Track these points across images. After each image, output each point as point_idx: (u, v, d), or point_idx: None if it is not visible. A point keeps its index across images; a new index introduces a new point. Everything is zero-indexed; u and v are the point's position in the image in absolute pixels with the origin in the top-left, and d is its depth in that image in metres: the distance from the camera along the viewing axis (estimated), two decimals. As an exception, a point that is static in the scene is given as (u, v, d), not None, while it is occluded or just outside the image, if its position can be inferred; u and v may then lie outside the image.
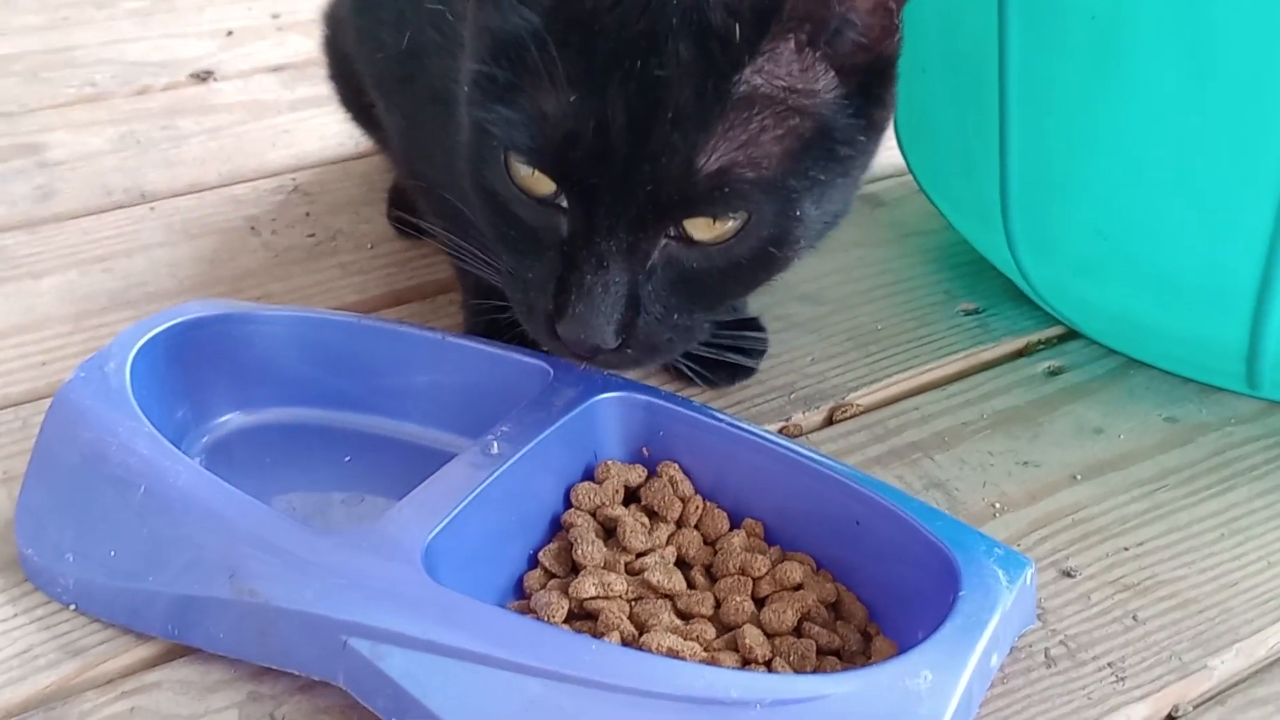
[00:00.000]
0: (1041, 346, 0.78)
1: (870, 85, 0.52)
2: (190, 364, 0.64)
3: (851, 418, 0.71)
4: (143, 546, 0.53)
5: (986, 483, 0.66)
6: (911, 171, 0.83)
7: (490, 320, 0.70)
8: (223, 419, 0.66)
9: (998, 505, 0.64)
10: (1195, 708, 0.53)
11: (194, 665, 0.53)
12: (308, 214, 0.94)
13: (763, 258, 0.51)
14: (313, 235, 0.91)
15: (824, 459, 0.57)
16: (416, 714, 0.47)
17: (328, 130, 1.08)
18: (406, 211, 0.89)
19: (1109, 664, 0.54)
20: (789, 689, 0.45)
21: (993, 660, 0.48)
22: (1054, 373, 0.75)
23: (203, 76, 1.21)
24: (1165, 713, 0.53)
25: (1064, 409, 0.72)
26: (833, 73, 0.50)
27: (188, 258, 0.88)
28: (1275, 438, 0.69)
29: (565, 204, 0.49)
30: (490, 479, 0.55)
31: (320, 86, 1.18)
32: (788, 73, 0.47)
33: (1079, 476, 0.66)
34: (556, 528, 0.58)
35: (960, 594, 0.48)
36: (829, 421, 0.71)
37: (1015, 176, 0.67)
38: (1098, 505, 0.64)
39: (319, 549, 0.51)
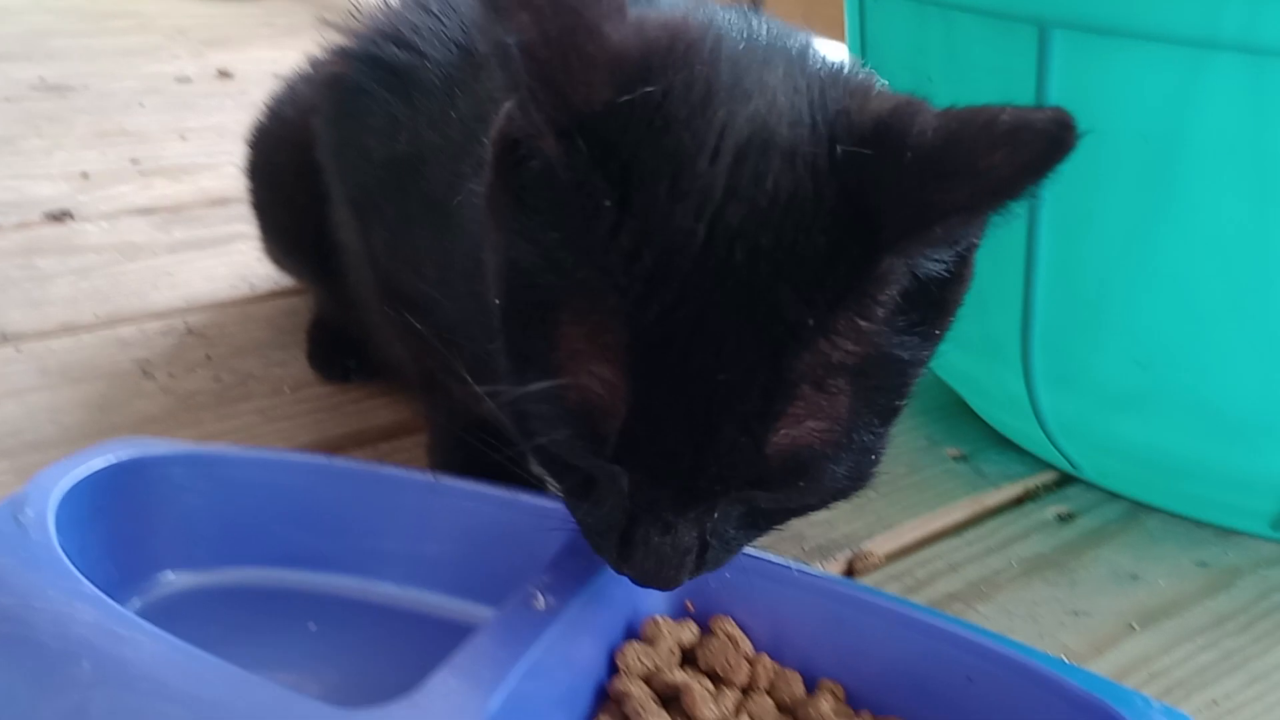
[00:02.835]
0: (1042, 491, 0.74)
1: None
2: (119, 514, 0.52)
3: (875, 568, 0.64)
4: (90, 742, 0.41)
5: (1043, 634, 0.59)
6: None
7: (469, 457, 0.61)
8: (159, 580, 0.54)
9: (1064, 658, 0.57)
10: None
11: None
12: (209, 356, 0.83)
13: (836, 495, 0.44)
14: (219, 379, 0.79)
15: (913, 605, 0.50)
16: None
17: (215, 272, 0.98)
18: (335, 351, 0.79)
19: (1252, 835, 0.48)
20: None
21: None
22: (1065, 518, 0.71)
23: (59, 217, 1.09)
24: None
25: (1090, 555, 0.67)
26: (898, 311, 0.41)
27: (71, 403, 0.75)
28: (1311, 580, 0.66)
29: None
30: (543, 638, 0.45)
31: (199, 230, 1.09)
32: (855, 339, 0.40)
33: (1136, 625, 0.61)
34: (602, 698, 0.48)
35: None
36: (850, 572, 0.64)
37: (1041, 304, 0.64)
38: (1167, 655, 0.58)
39: (348, 732, 0.40)
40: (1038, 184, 0.37)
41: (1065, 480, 0.75)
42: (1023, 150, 0.36)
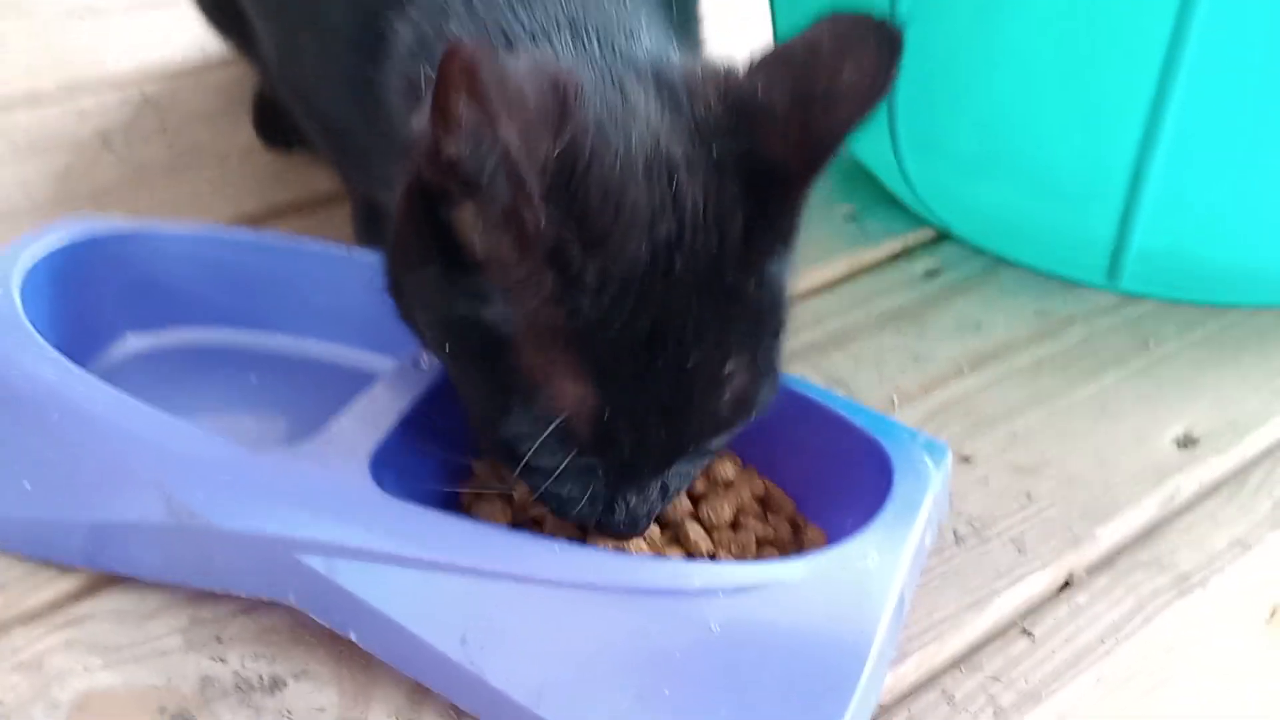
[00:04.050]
0: (917, 248, 0.82)
1: None
2: (79, 284, 0.61)
3: (749, 321, 0.73)
4: (61, 476, 0.51)
5: (882, 378, 0.69)
6: (789, 80, 0.85)
7: (378, 233, 0.69)
8: (117, 342, 0.63)
9: (895, 398, 0.67)
10: (1088, 573, 0.58)
11: (126, 594, 0.51)
12: (164, 127, 0.89)
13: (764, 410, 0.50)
14: (172, 148, 0.86)
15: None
16: (376, 624, 0.47)
17: (171, 37, 1.02)
18: (277, 121, 0.85)
19: (1011, 539, 0.59)
20: (748, 576, 0.47)
21: (926, 540, 0.52)
22: (931, 273, 0.79)
23: (14, -24, 1.12)
24: (1063, 579, 0.58)
25: (945, 306, 0.76)
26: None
27: (38, 174, 0.82)
28: (1132, 327, 0.74)
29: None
30: (422, 390, 0.54)
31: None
32: (772, 277, 0.47)
33: (966, 369, 0.70)
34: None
35: (894, 480, 0.51)
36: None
37: (903, 79, 0.69)
38: (985, 394, 0.68)
39: (262, 467, 0.50)
40: (895, 75, 0.45)
41: (941, 238, 0.83)
42: (863, 57, 0.44)
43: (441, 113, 0.41)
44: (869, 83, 0.45)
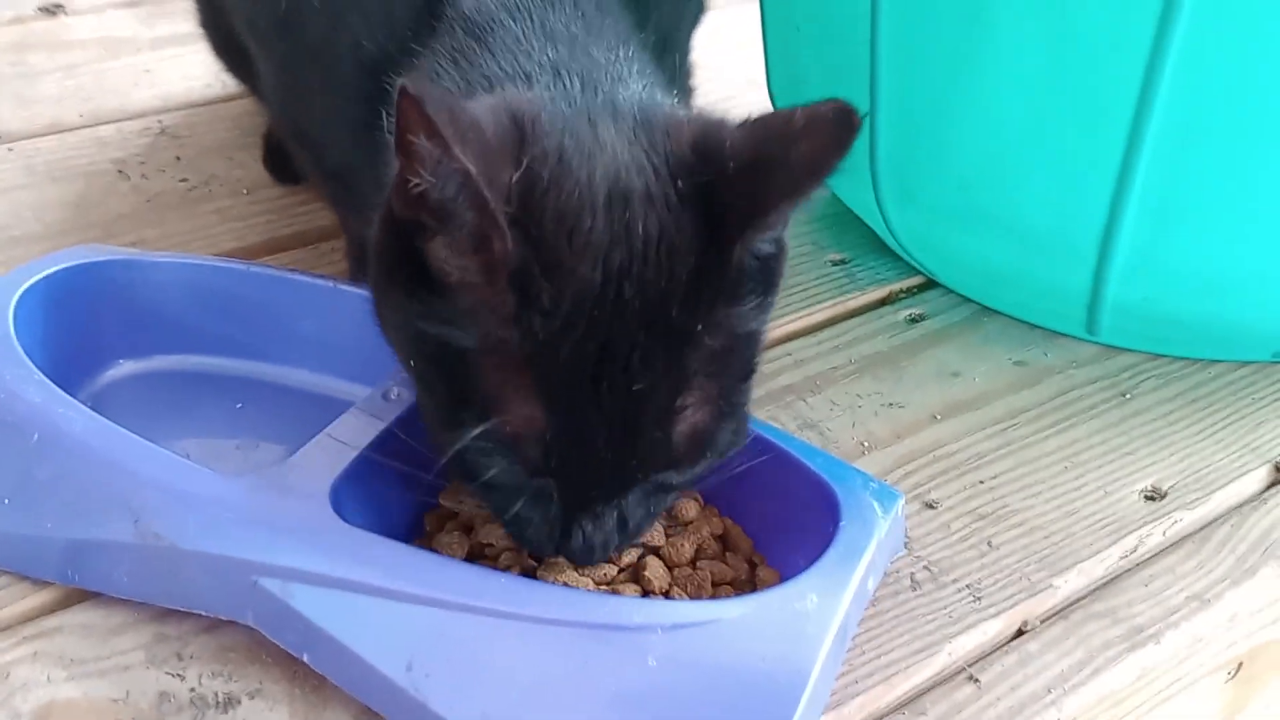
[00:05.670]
0: (903, 295, 0.83)
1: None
2: (74, 311, 0.64)
3: (729, 363, 0.74)
4: (38, 494, 0.53)
5: (855, 423, 0.70)
6: (783, 127, 0.87)
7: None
8: (110, 366, 0.65)
9: (866, 444, 0.68)
10: (1042, 622, 0.58)
11: (95, 609, 0.53)
12: (178, 158, 0.92)
13: (725, 454, 0.52)
14: (185, 180, 0.89)
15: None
16: (327, 647, 0.49)
17: (192, 70, 1.05)
18: (286, 158, 0.88)
19: (967, 586, 0.59)
20: (687, 613, 0.48)
21: (869, 584, 0.53)
22: (915, 320, 0.80)
23: (52, 10, 1.16)
24: (1016, 627, 0.58)
25: (925, 354, 0.77)
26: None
27: (53, 201, 0.85)
28: (1111, 379, 0.75)
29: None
30: (390, 423, 0.56)
31: (181, 24, 1.15)
32: (726, 326, 0.48)
33: (939, 416, 0.71)
34: (454, 471, 0.60)
35: (841, 524, 0.53)
36: (708, 366, 0.74)
37: (884, 134, 0.72)
38: (956, 443, 0.69)
39: (226, 492, 0.52)
40: (841, 160, 0.46)
41: (928, 285, 0.84)
42: (820, 136, 0.46)
43: (403, 148, 0.43)
44: (816, 159, 0.46)
